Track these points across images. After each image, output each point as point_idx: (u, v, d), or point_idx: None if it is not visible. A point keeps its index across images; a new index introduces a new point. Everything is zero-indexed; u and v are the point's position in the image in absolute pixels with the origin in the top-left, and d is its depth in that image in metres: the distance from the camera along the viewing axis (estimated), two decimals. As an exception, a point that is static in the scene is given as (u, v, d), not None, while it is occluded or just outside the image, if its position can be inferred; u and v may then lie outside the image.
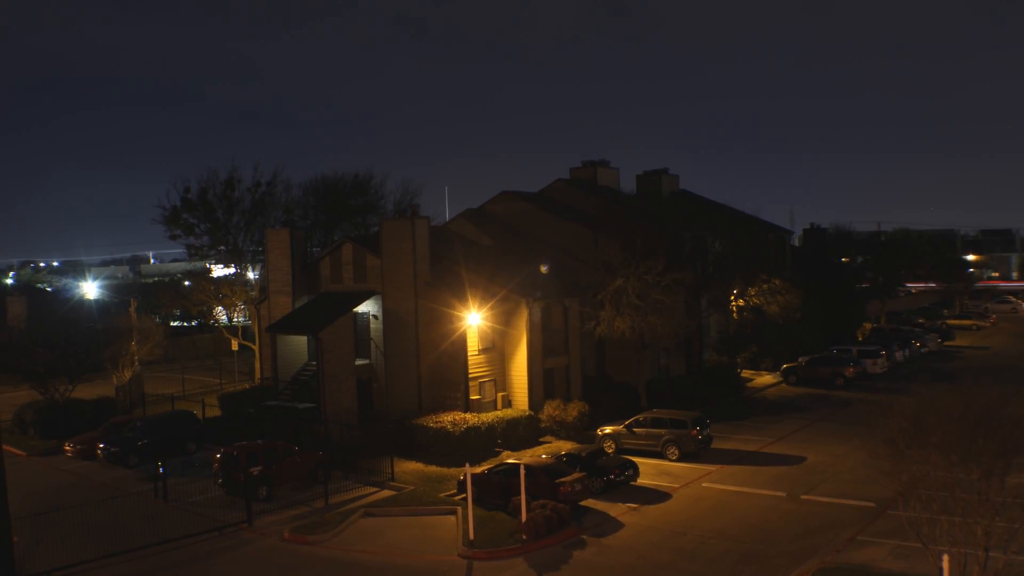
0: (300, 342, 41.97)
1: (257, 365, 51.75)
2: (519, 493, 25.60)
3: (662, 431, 34.51)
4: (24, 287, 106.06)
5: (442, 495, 29.95)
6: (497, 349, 40.10)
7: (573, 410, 38.06)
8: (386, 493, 30.44)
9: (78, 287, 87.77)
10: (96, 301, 68.90)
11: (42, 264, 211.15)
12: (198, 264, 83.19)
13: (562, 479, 27.79)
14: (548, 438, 37.92)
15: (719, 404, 44.70)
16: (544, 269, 43.44)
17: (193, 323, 76.14)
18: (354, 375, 39.53)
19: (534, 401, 39.31)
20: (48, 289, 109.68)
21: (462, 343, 38.06)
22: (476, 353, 38.88)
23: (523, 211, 50.57)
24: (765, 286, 52.44)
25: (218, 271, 76.08)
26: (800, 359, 52.54)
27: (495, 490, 28.34)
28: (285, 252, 45.27)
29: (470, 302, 37.84)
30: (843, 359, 51.53)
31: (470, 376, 38.34)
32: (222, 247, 57.66)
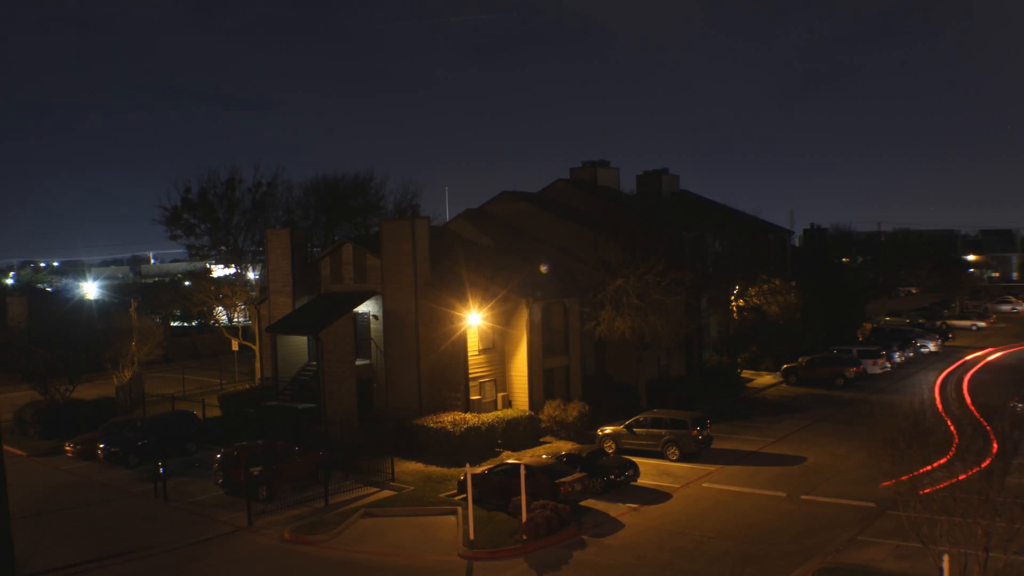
0: (300, 342, 41.99)
1: (257, 365, 51.77)
2: (519, 493, 25.61)
3: (662, 431, 34.53)
4: (24, 287, 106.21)
5: (442, 495, 29.95)
6: (497, 349, 40.11)
7: (573, 410, 38.08)
8: (386, 493, 30.45)
9: (78, 287, 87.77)
10: (96, 301, 68.82)
11: (42, 264, 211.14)
12: (198, 264, 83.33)
13: (562, 479, 27.79)
14: (548, 438, 37.93)
15: (719, 404, 44.70)
16: (544, 269, 43.43)
17: (193, 323, 76.34)
18: (354, 375, 39.55)
19: (534, 401, 39.32)
20: (48, 289, 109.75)
21: (462, 343, 38.07)
22: (476, 353, 38.89)
23: (523, 211, 50.58)
24: (765, 286, 52.50)
25: (218, 271, 76.06)
26: (800, 359, 52.55)
27: (495, 490, 28.35)
28: (285, 252, 45.28)
29: (470, 302, 37.84)
30: (843, 359, 51.54)
31: (470, 376, 38.34)
32: (222, 247, 57.74)
